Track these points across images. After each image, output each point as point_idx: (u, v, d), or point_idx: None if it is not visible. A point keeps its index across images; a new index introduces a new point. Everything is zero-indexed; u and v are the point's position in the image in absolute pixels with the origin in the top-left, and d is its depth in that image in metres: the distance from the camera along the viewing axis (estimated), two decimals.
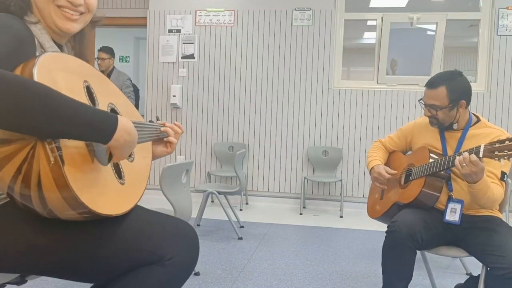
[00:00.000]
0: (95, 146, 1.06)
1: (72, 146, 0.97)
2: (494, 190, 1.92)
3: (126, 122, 1.04)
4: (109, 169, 1.11)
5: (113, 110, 1.22)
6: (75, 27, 1.22)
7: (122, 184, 1.16)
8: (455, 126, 2.13)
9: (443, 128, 2.16)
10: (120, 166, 1.18)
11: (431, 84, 2.11)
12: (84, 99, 1.06)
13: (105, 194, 1.06)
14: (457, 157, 1.86)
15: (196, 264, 1.29)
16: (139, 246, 1.17)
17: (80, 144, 1.00)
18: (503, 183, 2.01)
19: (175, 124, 1.52)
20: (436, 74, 2.15)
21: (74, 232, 1.11)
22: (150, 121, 1.48)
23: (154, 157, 1.48)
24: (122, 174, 1.17)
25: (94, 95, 1.12)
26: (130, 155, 1.24)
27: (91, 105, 1.08)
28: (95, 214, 1.00)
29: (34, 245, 1.08)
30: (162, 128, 1.48)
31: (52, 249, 1.10)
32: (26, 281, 1.29)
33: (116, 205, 1.09)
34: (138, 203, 1.24)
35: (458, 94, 2.06)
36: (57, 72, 1.00)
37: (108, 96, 1.21)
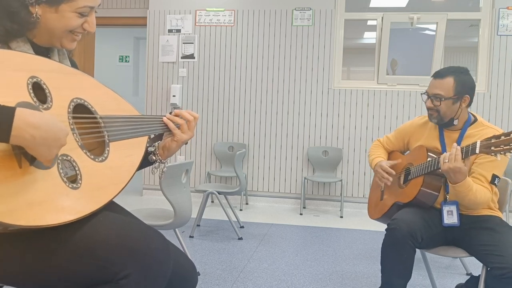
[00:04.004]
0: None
1: None
2: (477, 194, 1.92)
3: (30, 116, 0.90)
4: (52, 173, 1.00)
5: (80, 105, 1.14)
6: (75, 45, 1.28)
7: (75, 188, 1.04)
8: (455, 122, 2.12)
9: (443, 124, 2.15)
10: (77, 168, 1.06)
11: (439, 74, 2.11)
12: (25, 96, 0.99)
13: (37, 203, 0.95)
14: (443, 154, 1.89)
15: (163, 286, 1.13)
16: (87, 260, 1.05)
17: (3, 147, 0.91)
18: (493, 186, 2.00)
19: (175, 114, 1.40)
20: (444, 67, 2.16)
21: (21, 243, 1.06)
22: (170, 112, 1.44)
23: (169, 151, 1.41)
24: (79, 177, 1.06)
25: (47, 91, 1.05)
26: (102, 154, 1.16)
27: (37, 101, 1.01)
28: (13, 226, 0.91)
29: None
30: (164, 119, 1.37)
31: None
32: None
33: (54, 214, 0.98)
34: (117, 208, 1.15)
35: (464, 88, 2.07)
36: None
37: (76, 90, 1.14)
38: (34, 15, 1.15)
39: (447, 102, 2.06)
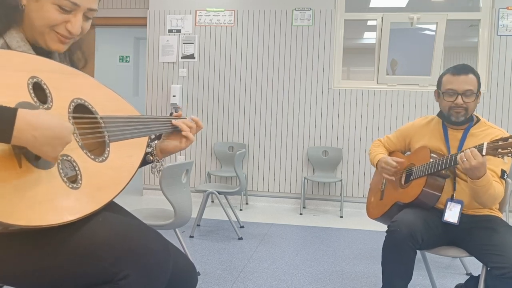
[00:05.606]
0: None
1: None
2: (495, 188, 1.92)
3: (31, 116, 0.89)
4: (52, 173, 0.99)
5: (80, 105, 1.13)
6: (65, 48, 1.21)
7: (75, 188, 1.04)
8: (474, 117, 2.15)
9: (454, 122, 2.13)
10: (77, 168, 1.06)
11: (463, 70, 2.09)
12: (26, 96, 0.99)
13: (37, 203, 0.95)
14: (459, 154, 1.87)
15: (162, 287, 1.13)
16: (86, 260, 1.05)
17: (3, 147, 0.91)
18: (503, 181, 2.02)
19: (192, 119, 1.43)
20: (458, 65, 2.14)
21: (21, 243, 1.06)
22: (171, 113, 1.43)
23: (167, 153, 1.42)
24: (79, 177, 1.06)
25: (48, 91, 1.04)
26: (102, 154, 1.15)
27: (37, 101, 1.01)
28: (13, 226, 0.91)
29: None
30: (173, 121, 1.39)
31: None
32: None
33: (54, 214, 0.98)
34: (118, 208, 1.14)
35: (480, 84, 2.11)
36: None
37: (76, 91, 1.13)
38: (21, 3, 1.12)
39: (475, 97, 2.09)
